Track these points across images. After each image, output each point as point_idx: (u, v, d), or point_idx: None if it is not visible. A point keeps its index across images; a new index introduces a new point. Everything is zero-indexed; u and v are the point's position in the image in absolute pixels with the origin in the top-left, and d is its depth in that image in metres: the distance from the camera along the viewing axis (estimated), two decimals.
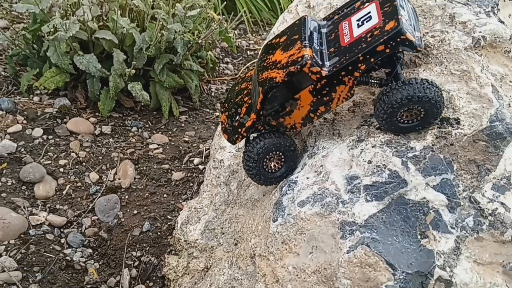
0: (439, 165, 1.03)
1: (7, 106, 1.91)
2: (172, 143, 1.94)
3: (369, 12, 1.05)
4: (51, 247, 1.50)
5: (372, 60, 1.00)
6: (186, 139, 1.98)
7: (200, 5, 2.10)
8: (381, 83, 1.09)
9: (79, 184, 1.69)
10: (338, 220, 1.05)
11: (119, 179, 1.75)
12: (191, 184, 1.76)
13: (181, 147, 1.92)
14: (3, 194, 1.59)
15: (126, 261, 1.51)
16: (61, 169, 1.73)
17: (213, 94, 2.37)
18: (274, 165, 1.20)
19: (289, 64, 1.04)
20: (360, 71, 1.01)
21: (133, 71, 1.94)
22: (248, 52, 2.92)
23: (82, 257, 1.50)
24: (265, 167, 1.19)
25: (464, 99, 1.11)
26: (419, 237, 0.99)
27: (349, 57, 1.01)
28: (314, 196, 1.11)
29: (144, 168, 1.80)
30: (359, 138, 1.14)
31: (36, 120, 1.88)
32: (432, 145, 1.06)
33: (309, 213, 1.09)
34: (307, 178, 1.17)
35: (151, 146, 1.91)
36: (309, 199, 1.12)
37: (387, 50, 0.98)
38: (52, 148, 1.79)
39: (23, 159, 1.70)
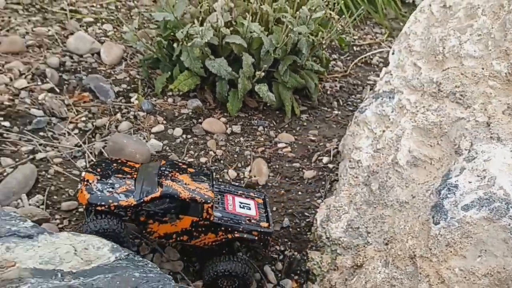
0: None
1: (148, 108, 2.08)
2: (299, 142, 2.02)
3: (249, 204, 1.52)
4: None
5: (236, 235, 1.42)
6: (312, 138, 2.05)
7: (323, 6, 2.15)
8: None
9: (221, 180, 1.82)
10: (509, 225, 1.06)
11: (254, 176, 1.85)
12: (323, 183, 1.83)
13: (308, 146, 1.99)
14: None
15: (271, 255, 1.61)
16: (203, 166, 1.86)
17: (328, 92, 2.42)
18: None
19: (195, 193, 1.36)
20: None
21: (263, 73, 2.03)
22: (354, 48, 2.93)
23: None
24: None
25: None
26: None
27: (232, 222, 1.42)
28: (479, 200, 1.13)
29: (276, 166, 1.89)
30: None
31: (175, 121, 2.04)
32: None
33: (475, 217, 1.12)
34: (469, 182, 1.19)
35: (279, 145, 2.00)
36: (474, 203, 1.14)
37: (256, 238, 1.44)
38: (192, 146, 1.93)
39: (169, 157, 1.86)
